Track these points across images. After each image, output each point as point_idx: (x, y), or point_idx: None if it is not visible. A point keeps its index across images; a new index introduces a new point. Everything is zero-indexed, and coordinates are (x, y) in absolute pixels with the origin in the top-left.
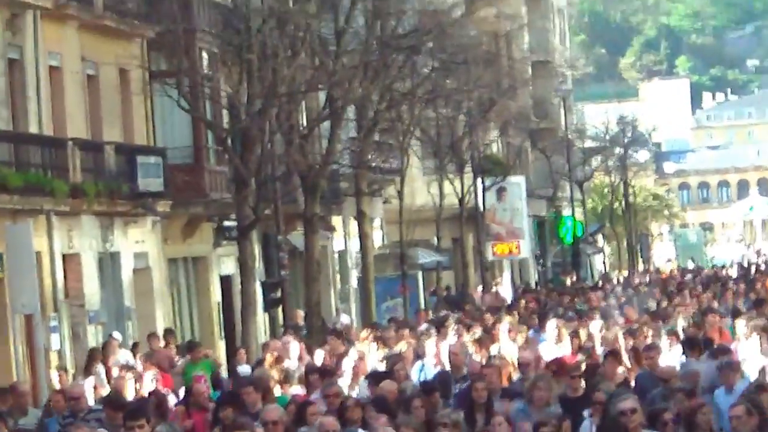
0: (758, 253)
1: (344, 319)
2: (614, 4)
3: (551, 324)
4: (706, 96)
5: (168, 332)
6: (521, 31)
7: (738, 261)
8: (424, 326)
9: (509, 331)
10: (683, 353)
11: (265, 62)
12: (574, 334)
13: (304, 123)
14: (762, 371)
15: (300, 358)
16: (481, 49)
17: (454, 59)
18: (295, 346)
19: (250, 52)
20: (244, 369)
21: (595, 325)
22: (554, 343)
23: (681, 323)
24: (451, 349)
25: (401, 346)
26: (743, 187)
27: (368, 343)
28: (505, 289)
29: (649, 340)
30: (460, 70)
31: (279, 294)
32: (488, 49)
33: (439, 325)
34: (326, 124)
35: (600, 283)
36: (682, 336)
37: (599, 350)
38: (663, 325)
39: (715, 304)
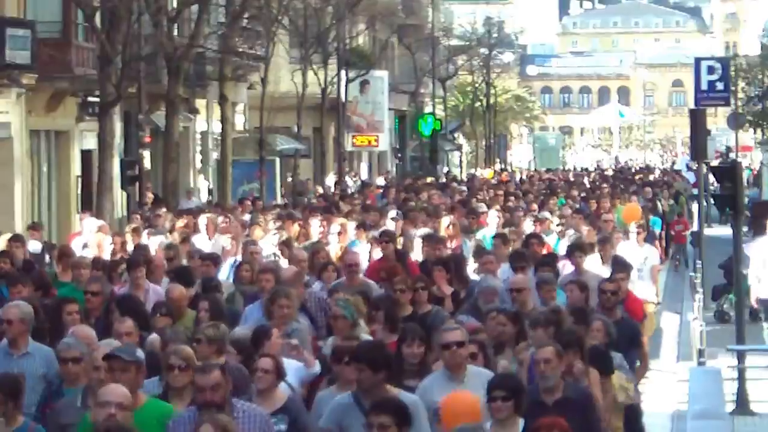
0: (616, 159)
1: (191, 203)
2: None
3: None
4: (574, 3)
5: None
6: None
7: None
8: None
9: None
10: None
11: None
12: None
13: (173, 5)
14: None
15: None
16: None
17: None
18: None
19: None
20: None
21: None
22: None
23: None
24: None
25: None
26: (604, 95)
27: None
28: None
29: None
30: None
31: (136, 171)
32: None
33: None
34: (195, 8)
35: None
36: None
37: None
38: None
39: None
